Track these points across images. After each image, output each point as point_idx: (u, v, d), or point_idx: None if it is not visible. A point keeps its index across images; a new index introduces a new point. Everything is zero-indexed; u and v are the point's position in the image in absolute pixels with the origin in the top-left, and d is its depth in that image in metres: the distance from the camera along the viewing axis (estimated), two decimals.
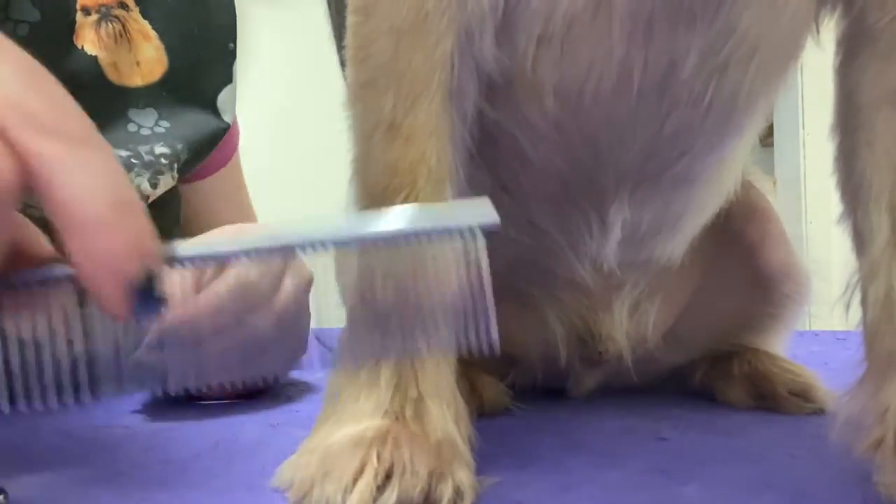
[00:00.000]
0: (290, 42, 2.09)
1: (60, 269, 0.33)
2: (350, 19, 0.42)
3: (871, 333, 0.40)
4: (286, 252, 0.34)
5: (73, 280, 0.32)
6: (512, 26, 0.42)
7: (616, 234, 0.49)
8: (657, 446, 0.45)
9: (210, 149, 0.73)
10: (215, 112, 0.73)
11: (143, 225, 0.31)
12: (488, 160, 0.47)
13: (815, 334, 0.81)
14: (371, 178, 0.41)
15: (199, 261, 0.34)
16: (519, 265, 0.53)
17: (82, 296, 0.33)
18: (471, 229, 0.33)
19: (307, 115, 1.90)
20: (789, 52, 0.46)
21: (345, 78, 0.44)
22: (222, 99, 0.74)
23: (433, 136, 0.40)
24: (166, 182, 0.68)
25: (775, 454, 0.44)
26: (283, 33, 2.06)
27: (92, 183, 0.30)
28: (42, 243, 0.33)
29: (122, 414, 0.55)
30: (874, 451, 0.37)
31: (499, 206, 0.50)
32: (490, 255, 0.52)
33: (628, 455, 0.44)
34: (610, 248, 0.50)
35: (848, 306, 0.42)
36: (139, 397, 0.60)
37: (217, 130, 0.73)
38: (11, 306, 0.33)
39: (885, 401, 0.38)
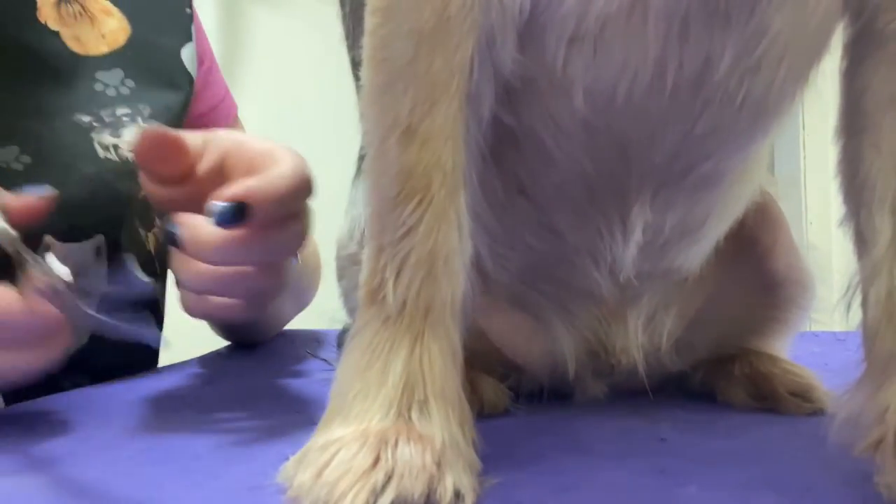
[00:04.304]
0: (290, 42, 2.09)
1: None
2: (368, 20, 0.41)
3: (871, 334, 0.40)
4: None
5: None
6: (539, 28, 0.42)
7: (637, 237, 0.49)
8: (657, 447, 0.45)
9: (179, 119, 0.77)
10: (176, 82, 0.78)
11: None
12: (509, 162, 0.47)
13: (816, 335, 0.81)
14: (385, 182, 0.40)
15: None
16: (532, 275, 0.53)
17: None
18: None
19: (308, 115, 1.90)
20: (816, 54, 0.46)
21: (356, 78, 0.44)
22: (186, 55, 0.79)
23: (449, 141, 0.40)
24: (132, 132, 0.71)
25: (775, 454, 0.44)
26: (283, 34, 2.06)
27: None
28: None
29: (122, 414, 0.55)
30: (874, 451, 0.37)
31: (515, 211, 0.50)
32: (501, 264, 0.52)
33: (628, 456, 0.44)
34: (630, 253, 0.50)
35: (848, 307, 0.42)
36: (138, 396, 0.60)
37: (179, 102, 0.77)
38: None
39: (884, 401, 0.38)
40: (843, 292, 0.42)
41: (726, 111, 0.44)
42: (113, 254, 0.64)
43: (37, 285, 0.44)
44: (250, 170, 0.53)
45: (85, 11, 0.73)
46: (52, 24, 0.71)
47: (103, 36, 0.74)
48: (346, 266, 0.61)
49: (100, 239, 0.64)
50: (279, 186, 0.51)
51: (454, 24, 0.39)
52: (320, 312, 0.88)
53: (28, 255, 0.45)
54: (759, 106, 0.45)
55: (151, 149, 0.53)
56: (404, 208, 0.39)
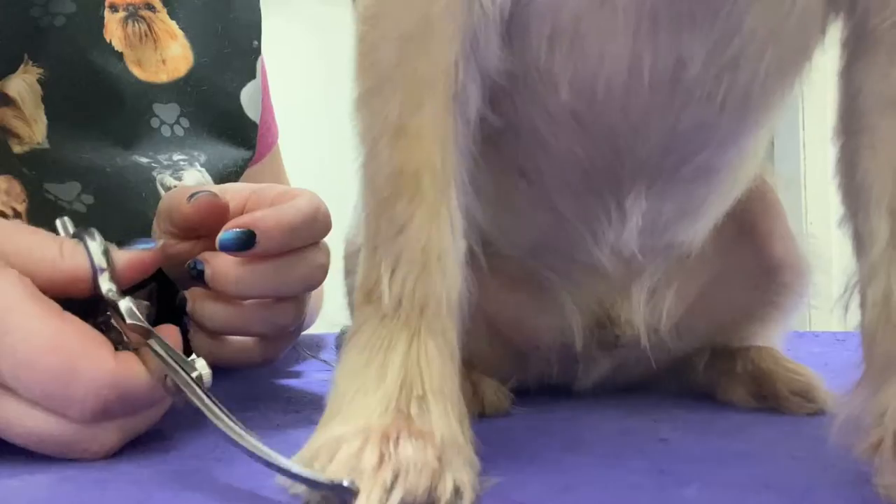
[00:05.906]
0: (289, 41, 2.09)
1: None
2: (358, 28, 0.43)
3: (870, 335, 0.40)
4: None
5: None
6: (522, 26, 0.43)
7: (635, 222, 0.50)
8: (657, 447, 0.45)
9: (235, 176, 0.73)
10: (234, 131, 0.74)
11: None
12: (508, 148, 0.48)
13: (816, 335, 0.81)
14: (377, 182, 0.41)
15: None
16: (539, 249, 0.54)
17: None
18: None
19: (310, 111, 1.90)
20: (802, 50, 0.46)
21: None
22: (246, 94, 0.74)
23: (438, 140, 0.40)
24: (193, 175, 0.69)
25: (775, 455, 0.44)
26: (283, 33, 2.07)
27: None
28: None
29: None
30: (873, 452, 0.37)
31: (518, 193, 0.51)
32: (509, 240, 0.53)
33: (628, 456, 0.44)
34: (629, 235, 0.51)
35: (847, 308, 0.42)
36: None
37: (239, 160, 0.73)
38: None
39: (883, 402, 0.38)
40: (842, 293, 0.42)
41: (708, 107, 0.45)
42: (165, 299, 0.62)
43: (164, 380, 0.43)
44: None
45: (150, 32, 0.69)
46: (117, 45, 0.67)
47: (164, 61, 0.69)
48: (354, 263, 0.61)
49: (153, 286, 0.63)
50: (289, 215, 0.53)
51: (437, 27, 0.40)
52: (320, 316, 0.89)
53: (168, 354, 0.43)
54: (744, 102, 0.45)
55: (207, 215, 0.54)
56: (396, 207, 0.40)
